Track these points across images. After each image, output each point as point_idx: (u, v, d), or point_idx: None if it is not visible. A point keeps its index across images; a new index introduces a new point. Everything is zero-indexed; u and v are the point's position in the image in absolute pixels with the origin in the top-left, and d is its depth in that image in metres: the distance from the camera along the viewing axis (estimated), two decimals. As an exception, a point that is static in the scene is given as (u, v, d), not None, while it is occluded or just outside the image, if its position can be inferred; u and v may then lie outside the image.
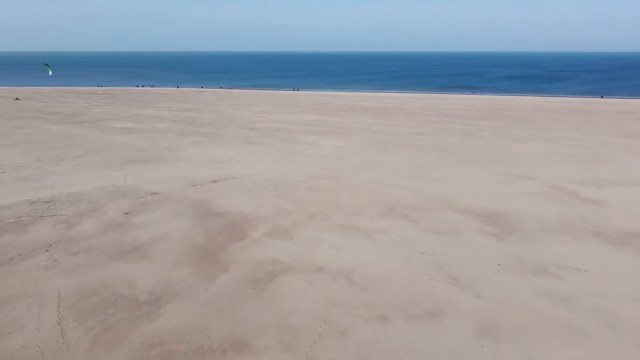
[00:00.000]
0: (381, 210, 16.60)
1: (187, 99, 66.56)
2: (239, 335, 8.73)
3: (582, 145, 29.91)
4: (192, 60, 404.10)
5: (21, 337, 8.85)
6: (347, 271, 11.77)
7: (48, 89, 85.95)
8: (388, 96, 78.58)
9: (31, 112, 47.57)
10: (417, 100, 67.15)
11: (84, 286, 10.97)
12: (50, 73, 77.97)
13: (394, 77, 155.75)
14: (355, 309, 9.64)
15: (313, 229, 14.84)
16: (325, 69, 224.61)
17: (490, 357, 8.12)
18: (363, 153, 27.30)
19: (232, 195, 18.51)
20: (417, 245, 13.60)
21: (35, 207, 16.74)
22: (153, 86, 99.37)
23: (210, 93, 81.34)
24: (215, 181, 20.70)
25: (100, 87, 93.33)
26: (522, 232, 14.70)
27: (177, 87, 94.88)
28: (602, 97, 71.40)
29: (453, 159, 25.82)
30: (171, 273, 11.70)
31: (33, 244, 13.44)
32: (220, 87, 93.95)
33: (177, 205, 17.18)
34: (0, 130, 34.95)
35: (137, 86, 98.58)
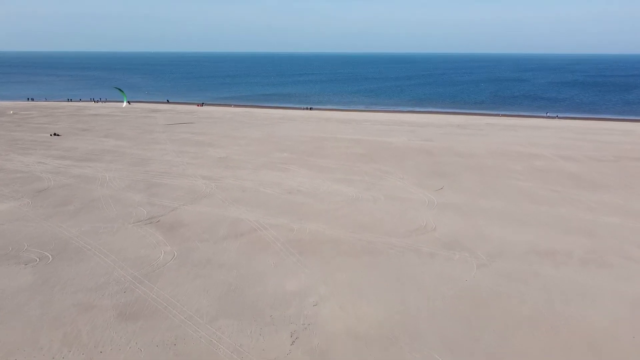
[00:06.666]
0: None
1: (119, 129, 47.79)
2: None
3: None
4: (190, 60, 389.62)
5: None
6: None
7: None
8: (423, 121, 57.34)
9: None
10: (470, 132, 47.92)
11: None
12: (124, 105, 63.12)
13: (418, 84, 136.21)
14: None
15: None
16: (335, 73, 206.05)
17: None
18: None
19: None
20: None
21: None
22: (99, 100, 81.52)
23: (166, 115, 62.12)
24: None
25: (24, 102, 76.47)
26: None
27: (128, 102, 76.79)
28: None
29: None
30: None
31: None
32: (203, 104, 76.82)
33: None
34: None
35: (69, 100, 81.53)
